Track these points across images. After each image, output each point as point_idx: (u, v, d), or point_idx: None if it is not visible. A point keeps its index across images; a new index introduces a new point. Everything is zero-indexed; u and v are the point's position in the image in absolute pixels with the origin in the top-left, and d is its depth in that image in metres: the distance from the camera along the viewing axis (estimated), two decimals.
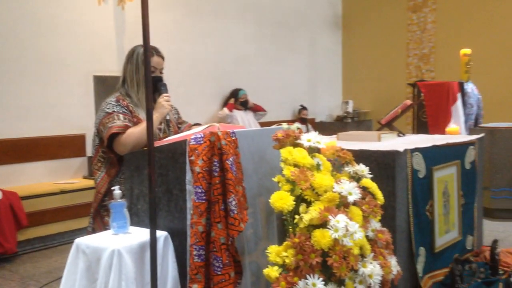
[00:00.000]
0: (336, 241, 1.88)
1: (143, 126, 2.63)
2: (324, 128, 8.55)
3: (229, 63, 7.79)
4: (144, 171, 2.42)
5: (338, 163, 2.36)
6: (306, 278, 1.87)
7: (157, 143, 2.54)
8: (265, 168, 2.43)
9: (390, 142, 3.81)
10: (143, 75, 2.75)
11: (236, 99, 7.44)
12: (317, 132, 2.27)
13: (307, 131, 4.39)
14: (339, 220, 1.88)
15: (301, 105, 8.68)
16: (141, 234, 2.22)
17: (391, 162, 3.23)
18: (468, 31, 8.22)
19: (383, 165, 3.19)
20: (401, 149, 3.26)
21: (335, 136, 3.93)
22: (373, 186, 2.23)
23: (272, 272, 1.90)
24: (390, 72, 9.17)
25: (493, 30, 7.98)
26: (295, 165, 2.09)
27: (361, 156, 2.83)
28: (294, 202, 1.97)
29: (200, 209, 2.12)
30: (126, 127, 2.62)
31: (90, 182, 5.50)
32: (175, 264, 2.21)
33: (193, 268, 2.10)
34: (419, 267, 3.33)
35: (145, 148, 2.59)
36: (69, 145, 5.86)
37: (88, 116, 6.06)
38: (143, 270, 2.12)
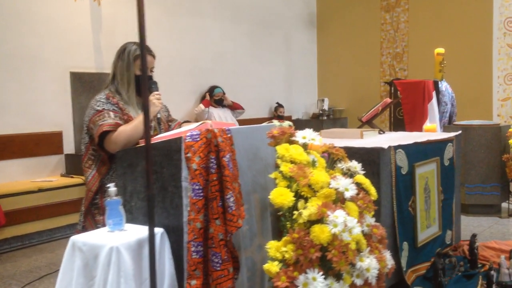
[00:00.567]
0: (334, 236, 1.92)
1: (134, 124, 2.63)
2: (301, 125, 8.47)
3: (206, 61, 7.78)
4: (138, 168, 2.42)
5: (330, 160, 2.41)
6: (306, 273, 1.90)
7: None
8: (259, 165, 2.46)
9: (372, 139, 3.88)
10: (134, 72, 2.76)
11: (211, 97, 7.44)
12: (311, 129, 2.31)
13: None
14: (338, 216, 1.93)
15: (277, 103, 8.73)
16: (137, 231, 2.22)
17: (376, 159, 3.31)
18: (440, 30, 8.40)
19: (367, 161, 3.25)
20: (385, 146, 3.34)
21: (317, 133, 3.99)
22: (367, 182, 2.29)
23: (273, 267, 1.93)
24: (364, 71, 9.30)
25: (464, 29, 8.17)
26: (292, 162, 2.12)
27: (346, 153, 2.89)
28: (294, 198, 2.00)
29: (198, 205, 2.14)
30: (117, 125, 2.61)
31: (68, 180, 5.45)
32: (172, 260, 2.21)
33: (191, 264, 2.11)
34: (403, 261, 3.41)
35: (137, 145, 2.59)
36: (45, 143, 5.77)
37: (65, 113, 5.99)
38: (141, 267, 2.12)
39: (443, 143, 4.06)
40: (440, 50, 6.35)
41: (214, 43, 7.92)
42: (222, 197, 2.13)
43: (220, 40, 8.03)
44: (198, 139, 2.18)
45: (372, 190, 2.28)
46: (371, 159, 3.27)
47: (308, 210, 1.97)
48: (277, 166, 2.44)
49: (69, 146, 5.98)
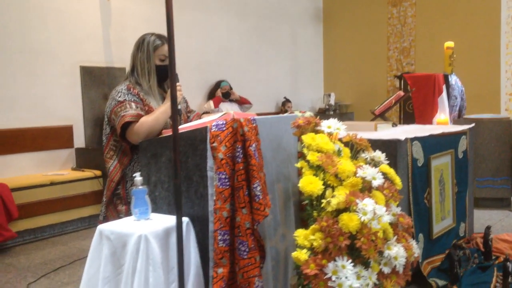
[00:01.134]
0: (363, 224, 1.93)
1: (155, 115, 2.64)
2: None
3: (213, 56, 7.78)
4: (162, 159, 2.43)
5: (354, 150, 2.42)
6: (335, 260, 1.92)
7: (168, 131, 2.56)
8: (282, 155, 2.47)
9: (387, 132, 3.89)
10: (154, 63, 2.77)
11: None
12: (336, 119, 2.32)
13: None
14: (367, 204, 1.94)
15: (285, 98, 8.73)
16: (163, 220, 2.23)
17: (393, 151, 3.31)
18: (447, 25, 8.39)
19: (384, 153, 3.27)
20: (402, 138, 3.35)
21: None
22: (391, 172, 2.30)
23: (302, 255, 1.94)
24: (371, 65, 9.30)
25: (471, 24, 8.16)
26: (318, 151, 2.13)
27: None
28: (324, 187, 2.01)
29: (224, 195, 2.15)
30: (139, 116, 2.62)
31: (79, 174, 5.46)
32: (197, 249, 2.23)
33: (218, 252, 2.13)
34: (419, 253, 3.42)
35: (160, 135, 2.60)
36: (56, 136, 5.78)
37: (75, 107, 6.00)
38: (168, 255, 2.13)
39: (457, 135, 4.06)
40: (450, 43, 6.34)
41: (221, 38, 7.92)
42: (249, 186, 2.14)
43: (227, 35, 8.02)
44: (224, 128, 2.19)
45: (397, 180, 2.29)
46: (388, 151, 3.25)
47: (337, 198, 1.98)
48: (300, 156, 2.46)
49: (79, 140, 5.99)
